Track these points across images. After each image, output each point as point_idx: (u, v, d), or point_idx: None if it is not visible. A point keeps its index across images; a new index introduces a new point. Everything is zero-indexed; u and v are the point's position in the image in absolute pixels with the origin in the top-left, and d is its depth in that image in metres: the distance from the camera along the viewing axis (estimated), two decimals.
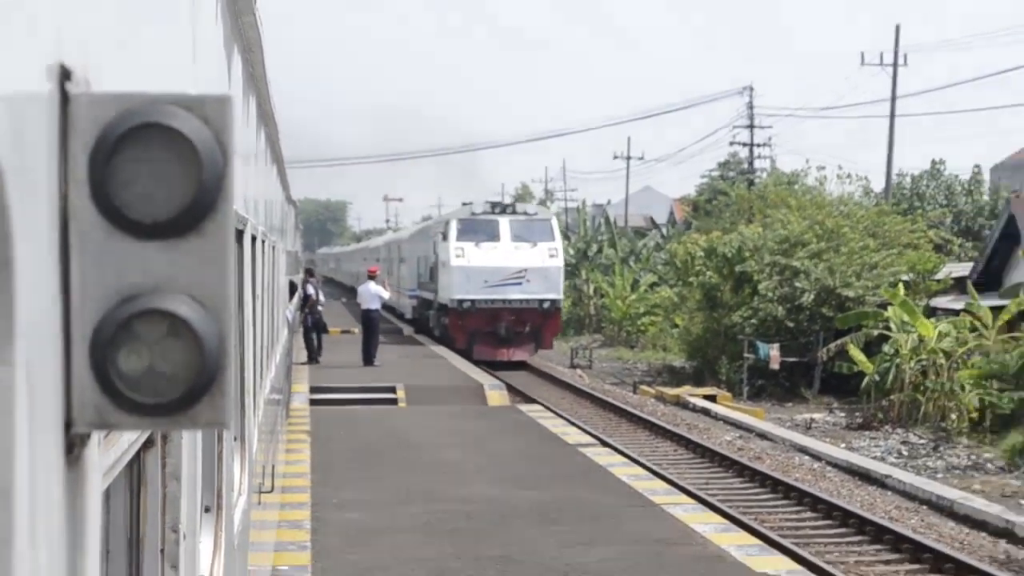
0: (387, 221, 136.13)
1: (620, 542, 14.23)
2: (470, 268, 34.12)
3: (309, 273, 38.75)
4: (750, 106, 67.46)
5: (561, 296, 37.42)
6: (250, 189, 6.82)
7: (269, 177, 11.94)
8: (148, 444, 2.71)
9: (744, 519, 17.59)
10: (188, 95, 1.63)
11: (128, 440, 2.24)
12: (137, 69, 2.33)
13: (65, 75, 1.54)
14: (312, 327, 35.36)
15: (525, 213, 36.78)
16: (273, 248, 11.55)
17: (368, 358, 34.68)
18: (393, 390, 29.30)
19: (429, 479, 18.36)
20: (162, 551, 2.89)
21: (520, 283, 34.25)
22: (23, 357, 1.30)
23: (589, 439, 22.76)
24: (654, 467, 20.99)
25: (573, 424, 24.73)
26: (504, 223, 35.66)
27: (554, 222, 37.86)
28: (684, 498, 17.39)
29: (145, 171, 1.56)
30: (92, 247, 1.57)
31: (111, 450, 2.03)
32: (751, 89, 67.72)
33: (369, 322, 35.86)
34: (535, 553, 13.67)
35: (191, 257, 1.60)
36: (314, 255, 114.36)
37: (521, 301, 34.60)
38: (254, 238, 6.76)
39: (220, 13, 4.98)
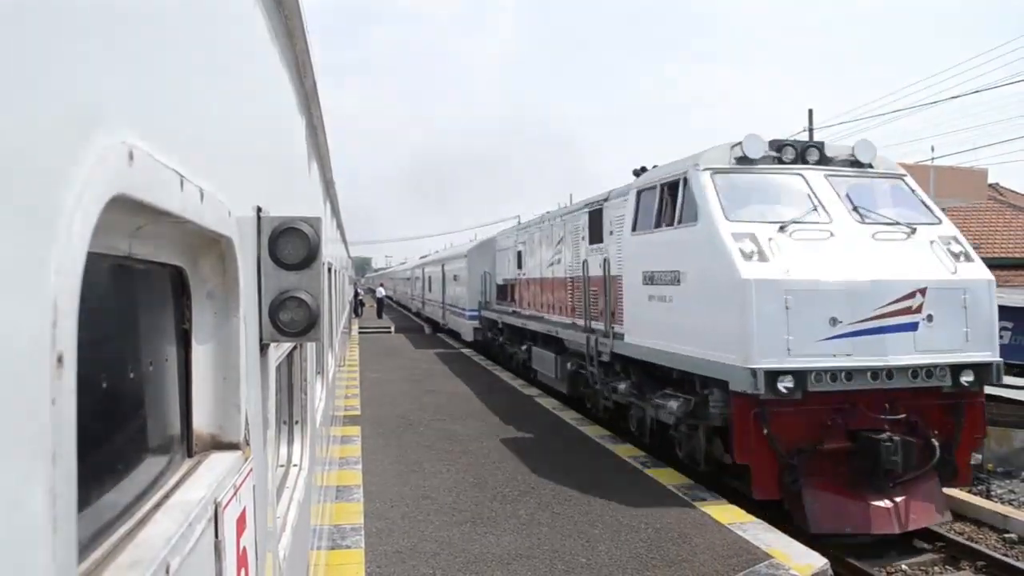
0: (387, 265, 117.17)
1: (476, 383, 15.33)
2: (803, 290, 6.43)
3: (355, 286, 40.32)
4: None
5: (998, 356, 7.05)
6: (331, 250, 6.43)
7: (339, 245, 11.16)
8: (295, 348, 2.82)
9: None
10: (306, 216, 1.68)
11: (287, 347, 2.33)
12: (288, 203, 2.38)
13: (259, 209, 1.59)
14: (357, 306, 38.12)
15: (857, 162, 7.86)
16: (341, 273, 11.34)
17: (379, 314, 37.84)
18: (390, 327, 32.26)
19: (403, 362, 19.64)
20: (301, 389, 2.97)
21: (913, 324, 6.50)
22: (242, 314, 1.36)
23: (479, 357, 21.42)
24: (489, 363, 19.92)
25: (474, 351, 23.45)
26: (822, 182, 7.49)
27: (912, 183, 8.19)
28: (501, 369, 18.25)
29: (290, 244, 1.62)
30: (269, 271, 1.61)
31: (280, 350, 2.14)
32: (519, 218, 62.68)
33: (379, 300, 40.27)
34: (443, 387, 14.88)
35: (307, 277, 1.64)
36: (362, 278, 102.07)
37: (917, 372, 6.52)
38: (334, 270, 6.54)
39: (322, 179, 4.87)
